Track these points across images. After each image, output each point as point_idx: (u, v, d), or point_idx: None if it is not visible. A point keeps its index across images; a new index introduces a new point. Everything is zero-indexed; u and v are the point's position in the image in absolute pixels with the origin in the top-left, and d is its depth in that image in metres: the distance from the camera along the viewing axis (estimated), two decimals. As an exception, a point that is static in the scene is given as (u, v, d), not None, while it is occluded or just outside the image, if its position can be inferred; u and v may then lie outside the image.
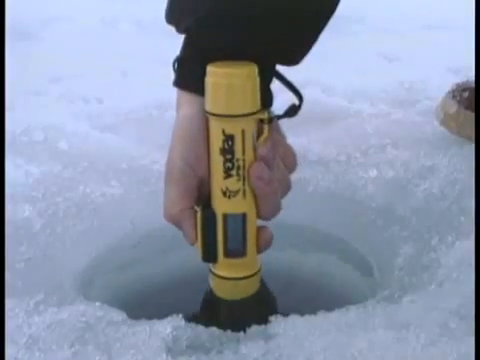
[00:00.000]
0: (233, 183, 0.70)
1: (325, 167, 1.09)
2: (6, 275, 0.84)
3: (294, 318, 0.77)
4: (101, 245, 0.99)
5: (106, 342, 0.73)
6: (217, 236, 0.73)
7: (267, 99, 0.73)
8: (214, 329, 0.76)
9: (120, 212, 1.02)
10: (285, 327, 0.75)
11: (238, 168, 0.69)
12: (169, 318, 0.76)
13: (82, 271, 0.95)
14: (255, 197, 0.72)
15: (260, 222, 0.76)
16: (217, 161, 0.70)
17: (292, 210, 1.04)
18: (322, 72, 1.41)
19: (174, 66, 0.75)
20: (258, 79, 0.69)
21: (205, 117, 0.70)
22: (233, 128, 0.68)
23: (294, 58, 0.76)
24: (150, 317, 0.78)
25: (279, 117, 0.73)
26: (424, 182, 1.03)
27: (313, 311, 0.79)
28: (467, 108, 1.14)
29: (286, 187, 0.76)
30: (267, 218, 0.75)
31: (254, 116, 0.69)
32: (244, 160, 0.69)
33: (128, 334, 0.74)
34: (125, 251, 1.01)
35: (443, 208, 0.98)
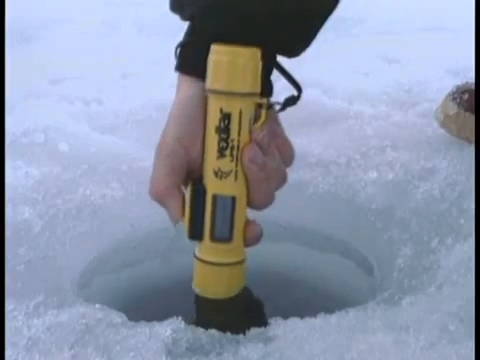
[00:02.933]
0: (226, 164, 0.69)
1: (325, 169, 1.09)
2: (6, 277, 0.84)
3: (294, 320, 0.77)
4: (101, 247, 0.99)
5: (106, 344, 0.73)
6: (205, 216, 0.72)
7: (267, 88, 0.73)
8: (214, 331, 0.76)
9: (120, 214, 1.02)
10: (285, 329, 0.75)
11: (232, 148, 0.69)
12: (169, 320, 0.76)
13: (82, 273, 0.95)
14: (247, 182, 0.71)
15: (253, 214, 0.75)
16: (212, 140, 0.70)
17: (292, 212, 1.04)
18: (322, 74, 1.41)
19: (176, 52, 0.75)
20: (260, 63, 0.70)
21: (204, 98, 0.70)
22: (231, 106, 0.68)
23: (295, 49, 0.76)
24: (150, 319, 0.78)
25: (280, 108, 0.73)
26: (424, 184, 1.03)
27: (313, 313, 0.79)
28: (467, 110, 1.14)
29: (281, 178, 0.74)
30: (258, 207, 0.73)
31: (253, 98, 0.69)
32: (239, 141, 0.69)
33: (128, 336, 0.74)
34: (125, 253, 1.01)
35: (443, 210, 0.98)
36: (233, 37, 0.70)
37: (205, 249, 0.73)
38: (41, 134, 1.19)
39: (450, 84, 1.20)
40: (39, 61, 1.54)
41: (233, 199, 0.71)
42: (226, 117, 0.69)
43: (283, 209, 1.04)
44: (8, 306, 0.78)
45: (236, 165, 0.70)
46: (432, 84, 1.38)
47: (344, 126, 1.22)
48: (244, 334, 0.76)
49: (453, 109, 1.15)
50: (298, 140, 1.04)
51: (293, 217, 1.04)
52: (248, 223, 0.74)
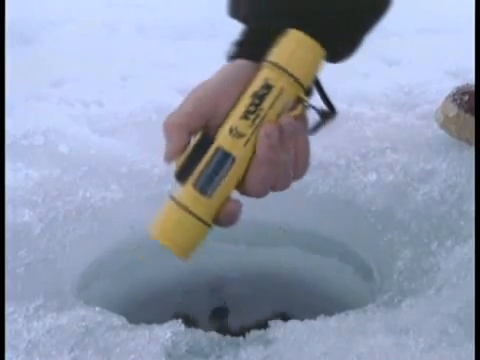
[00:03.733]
0: (244, 126, 0.70)
1: (325, 171, 1.09)
2: (6, 280, 0.83)
3: (294, 323, 0.77)
4: (101, 249, 0.99)
5: (106, 347, 0.73)
6: (199, 163, 0.71)
7: (309, 91, 0.75)
8: (214, 334, 0.76)
9: (120, 216, 1.02)
10: (285, 332, 0.75)
11: (257, 116, 0.70)
12: (169, 323, 0.76)
13: (82, 275, 0.95)
14: (253, 159, 0.70)
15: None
16: (243, 101, 0.71)
17: (292, 214, 1.04)
18: (322, 75, 1.41)
19: (230, 50, 0.76)
20: (321, 63, 0.73)
21: (249, 73, 0.72)
22: (276, 81, 0.70)
23: (341, 52, 0.77)
24: (150, 321, 0.78)
25: (316, 125, 0.74)
26: (424, 186, 1.03)
27: (313, 315, 0.80)
28: (467, 111, 1.14)
29: (283, 180, 0.72)
30: (248, 191, 0.71)
31: (297, 87, 0.71)
32: (266, 114, 0.70)
33: (128, 339, 0.74)
34: (125, 255, 1.01)
35: (442, 212, 0.98)
36: (281, 29, 0.72)
37: (182, 192, 0.71)
38: (41, 136, 1.19)
39: (450, 86, 1.20)
40: (39, 63, 1.54)
41: (233, 159, 0.70)
42: (267, 87, 0.70)
43: (283, 211, 1.04)
44: (8, 309, 0.78)
45: (252, 133, 0.70)
46: (432, 86, 1.38)
47: (344, 128, 1.22)
48: (244, 336, 0.76)
49: (453, 110, 1.15)
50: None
51: (293, 219, 1.04)
52: (230, 199, 0.71)
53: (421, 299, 0.81)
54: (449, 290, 0.81)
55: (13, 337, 0.74)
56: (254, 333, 0.77)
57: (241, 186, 0.72)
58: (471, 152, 1.10)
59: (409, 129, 1.21)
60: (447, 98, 1.17)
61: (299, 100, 0.72)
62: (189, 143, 0.71)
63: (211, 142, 0.71)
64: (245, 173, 0.71)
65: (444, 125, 1.16)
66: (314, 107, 0.73)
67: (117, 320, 0.78)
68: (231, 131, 0.70)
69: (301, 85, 0.71)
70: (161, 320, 0.78)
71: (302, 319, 0.78)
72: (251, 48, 0.74)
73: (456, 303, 0.77)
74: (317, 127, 0.74)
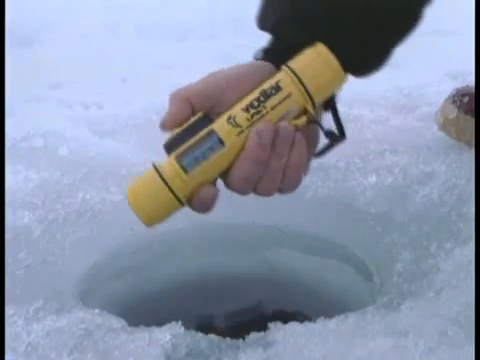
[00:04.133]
0: (243, 118, 0.70)
1: (324, 173, 1.09)
2: (6, 282, 0.83)
3: (293, 325, 0.77)
4: (100, 251, 0.99)
5: (105, 349, 0.73)
6: (191, 139, 0.71)
7: (320, 110, 0.74)
8: (213, 336, 0.76)
9: (119, 218, 1.02)
10: (284, 334, 0.75)
11: (257, 112, 0.70)
12: (168, 325, 0.76)
13: (81, 278, 0.95)
14: (241, 152, 0.70)
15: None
16: (251, 95, 0.71)
17: (291, 216, 1.04)
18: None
19: (256, 53, 0.77)
20: (337, 85, 0.72)
21: (264, 72, 0.73)
22: (287, 85, 0.71)
23: (368, 66, 0.77)
24: (149, 324, 0.78)
25: (325, 148, 0.74)
26: (423, 188, 1.03)
27: (312, 317, 0.79)
28: (467, 113, 1.14)
29: (268, 183, 0.71)
30: (230, 185, 0.71)
31: (305, 99, 0.71)
32: (267, 113, 0.70)
33: (127, 341, 0.74)
34: (124, 257, 1.01)
35: (442, 214, 0.98)
36: (307, 41, 0.72)
37: (165, 163, 0.71)
38: (41, 138, 1.19)
39: (449, 87, 1.20)
40: (38, 65, 1.54)
41: (222, 146, 0.70)
42: (276, 88, 0.71)
43: (282, 213, 1.04)
44: (8, 311, 0.78)
45: (248, 127, 0.71)
46: (431, 88, 1.38)
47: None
48: (243, 339, 0.76)
49: (453, 112, 1.15)
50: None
51: (292, 221, 1.04)
52: (208, 184, 0.71)
53: (421, 301, 0.81)
54: (449, 292, 0.81)
55: (13, 339, 0.74)
56: (254, 335, 0.77)
57: (226, 178, 0.71)
58: (471, 154, 1.10)
59: (409, 131, 1.21)
60: (447, 100, 1.17)
61: (305, 112, 0.71)
62: (188, 119, 0.72)
63: (209, 122, 0.71)
64: (231, 165, 0.71)
65: (444, 127, 1.16)
66: (320, 124, 0.73)
67: (117, 322, 0.78)
68: (229, 119, 0.71)
69: (310, 98, 0.71)
70: (161, 322, 0.77)
71: (301, 321, 0.78)
72: (276, 55, 0.74)
73: (456, 305, 0.77)
74: (324, 150, 0.75)
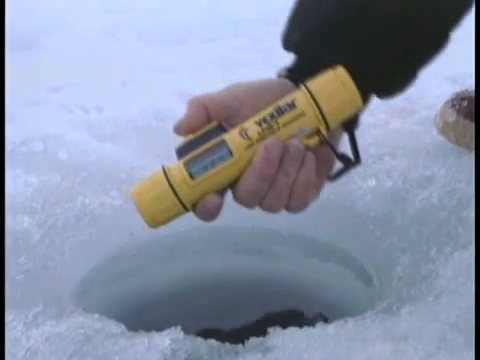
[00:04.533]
0: (254, 131, 0.71)
1: (324, 177, 1.09)
2: (6, 287, 0.83)
3: (293, 330, 0.77)
4: (100, 256, 0.99)
5: (104, 354, 0.73)
6: (200, 147, 0.71)
7: (336, 135, 0.74)
8: (213, 341, 0.76)
9: (119, 223, 1.02)
10: (283, 339, 0.75)
11: (269, 128, 0.71)
12: (168, 330, 0.76)
13: (81, 282, 0.95)
14: (248, 164, 0.70)
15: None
16: (266, 110, 0.72)
17: (291, 220, 1.04)
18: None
19: (280, 72, 0.77)
20: (353, 110, 0.72)
21: (284, 87, 0.73)
22: (302, 103, 0.71)
23: (393, 85, 0.76)
24: (149, 328, 0.78)
25: (339, 171, 0.74)
26: (422, 192, 1.03)
27: (312, 322, 0.79)
28: (466, 117, 1.14)
29: (274, 200, 0.70)
30: (237, 197, 0.71)
31: (319, 121, 0.71)
32: (278, 129, 0.71)
33: (127, 346, 0.74)
34: (124, 261, 1.01)
35: (441, 218, 0.98)
36: (330, 61, 0.72)
37: (174, 167, 0.72)
38: (40, 142, 1.19)
39: (448, 91, 1.20)
40: (38, 69, 1.54)
41: (231, 155, 0.70)
42: (291, 106, 0.71)
43: (282, 217, 1.03)
44: (7, 316, 0.78)
45: (258, 140, 0.71)
46: (431, 91, 1.38)
47: (343, 134, 1.22)
48: (243, 344, 0.76)
49: (452, 116, 1.15)
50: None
51: (292, 225, 1.05)
52: (213, 193, 0.71)
53: (420, 306, 0.81)
54: (448, 297, 0.81)
55: (12, 345, 0.74)
56: (253, 340, 0.76)
57: (233, 190, 0.71)
58: (470, 158, 1.10)
59: (408, 135, 1.21)
60: (446, 104, 1.18)
61: (318, 133, 0.71)
62: (203, 125, 0.72)
63: (222, 131, 0.72)
64: (239, 177, 0.71)
65: (443, 131, 1.16)
66: (332, 147, 0.73)
67: (116, 327, 0.78)
68: (241, 131, 0.71)
69: (324, 119, 0.71)
70: (160, 327, 0.77)
71: (301, 326, 0.78)
72: (297, 74, 0.74)
73: (455, 310, 0.77)
74: (339, 174, 0.74)
